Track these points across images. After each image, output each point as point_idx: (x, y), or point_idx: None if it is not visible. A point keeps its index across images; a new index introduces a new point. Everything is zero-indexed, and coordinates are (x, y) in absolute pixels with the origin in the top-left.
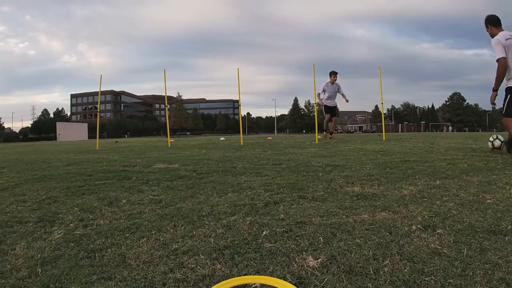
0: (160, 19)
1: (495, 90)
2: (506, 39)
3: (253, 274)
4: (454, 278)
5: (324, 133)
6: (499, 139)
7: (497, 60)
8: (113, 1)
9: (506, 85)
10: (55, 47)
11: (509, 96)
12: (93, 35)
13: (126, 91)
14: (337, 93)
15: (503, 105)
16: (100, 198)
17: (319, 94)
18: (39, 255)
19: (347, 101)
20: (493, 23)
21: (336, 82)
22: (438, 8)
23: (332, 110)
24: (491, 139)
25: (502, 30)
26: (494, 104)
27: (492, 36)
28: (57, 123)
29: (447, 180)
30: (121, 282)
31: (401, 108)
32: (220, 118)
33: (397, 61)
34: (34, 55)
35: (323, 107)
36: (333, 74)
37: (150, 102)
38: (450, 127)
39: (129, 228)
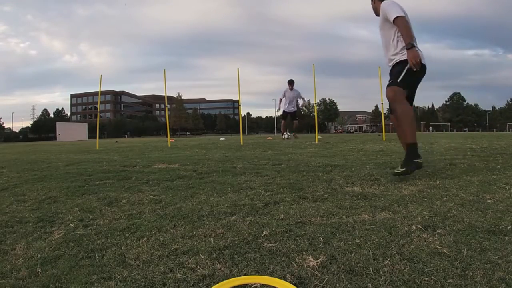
0: (161, 19)
1: (413, 44)
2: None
3: (253, 274)
4: (454, 278)
5: (284, 134)
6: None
7: (396, 19)
8: (115, 1)
9: (396, 59)
10: (56, 47)
11: (407, 67)
12: (94, 35)
13: (126, 91)
14: (297, 99)
15: (398, 73)
16: (100, 198)
17: (280, 99)
18: (39, 255)
19: (301, 106)
20: None
21: (295, 89)
22: (438, 8)
23: (290, 115)
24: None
25: None
26: (419, 63)
27: (376, 10)
28: (57, 123)
29: (447, 180)
30: (121, 282)
31: None
32: (220, 118)
33: None
34: (35, 55)
35: (282, 112)
36: (290, 83)
37: (150, 102)
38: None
39: (129, 228)
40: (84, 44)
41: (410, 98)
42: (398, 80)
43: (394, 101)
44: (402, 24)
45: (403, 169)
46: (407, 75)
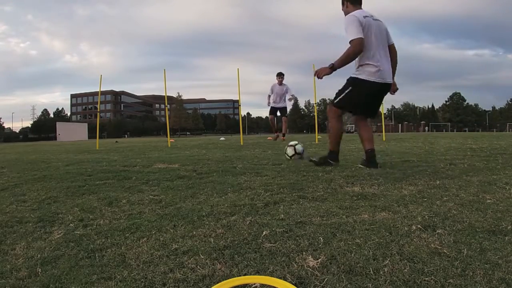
0: (161, 19)
1: (334, 69)
2: (364, 17)
3: (253, 274)
4: (454, 278)
5: (276, 134)
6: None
7: (351, 41)
8: (115, 1)
9: (352, 74)
10: (57, 47)
11: (350, 88)
12: (94, 35)
13: (126, 91)
14: (286, 94)
15: (339, 93)
16: (100, 198)
17: (268, 96)
18: (39, 255)
19: (289, 100)
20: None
21: (284, 83)
22: (439, 8)
23: (279, 111)
24: (291, 147)
25: (360, 9)
26: (321, 78)
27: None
28: (57, 123)
29: (447, 180)
30: (121, 282)
31: (401, 108)
32: (220, 118)
33: (398, 61)
34: (36, 55)
35: (269, 108)
36: (279, 75)
37: (150, 102)
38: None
39: (129, 228)
40: (84, 44)
41: (372, 111)
42: (335, 102)
43: (328, 117)
44: (353, 47)
45: (317, 160)
46: (346, 98)
